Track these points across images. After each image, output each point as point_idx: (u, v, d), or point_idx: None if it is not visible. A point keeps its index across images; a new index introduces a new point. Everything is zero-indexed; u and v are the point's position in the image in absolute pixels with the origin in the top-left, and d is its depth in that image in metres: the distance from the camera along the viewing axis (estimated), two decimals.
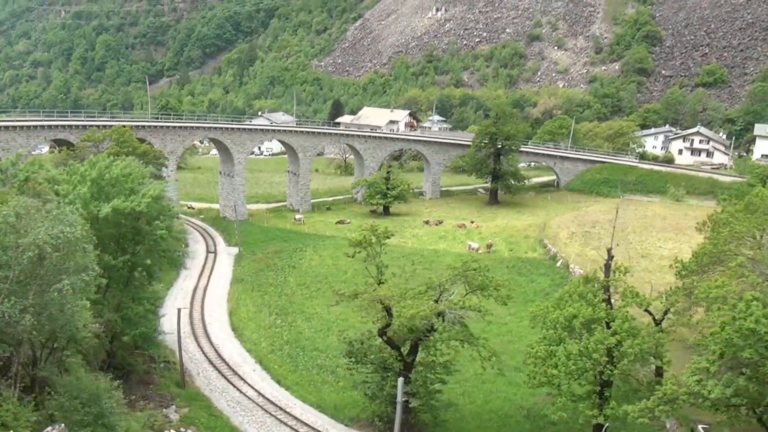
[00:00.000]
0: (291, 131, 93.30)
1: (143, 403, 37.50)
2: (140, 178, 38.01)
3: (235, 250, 76.06)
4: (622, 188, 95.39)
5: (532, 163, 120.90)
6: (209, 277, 66.44)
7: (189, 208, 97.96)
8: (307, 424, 38.24)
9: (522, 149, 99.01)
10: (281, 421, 38.44)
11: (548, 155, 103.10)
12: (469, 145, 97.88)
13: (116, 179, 36.26)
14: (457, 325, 36.34)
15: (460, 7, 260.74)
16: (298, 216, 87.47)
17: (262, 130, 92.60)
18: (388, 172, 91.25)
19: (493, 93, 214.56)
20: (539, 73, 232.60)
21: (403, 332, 35.56)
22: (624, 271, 36.00)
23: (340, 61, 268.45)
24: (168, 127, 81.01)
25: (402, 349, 37.10)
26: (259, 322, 56.78)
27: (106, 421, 24.46)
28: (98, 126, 70.57)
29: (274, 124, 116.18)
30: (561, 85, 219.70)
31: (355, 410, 40.49)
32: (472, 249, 73.10)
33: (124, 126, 69.00)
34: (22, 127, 66.78)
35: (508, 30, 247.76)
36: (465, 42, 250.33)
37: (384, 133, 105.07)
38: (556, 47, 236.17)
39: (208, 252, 74.92)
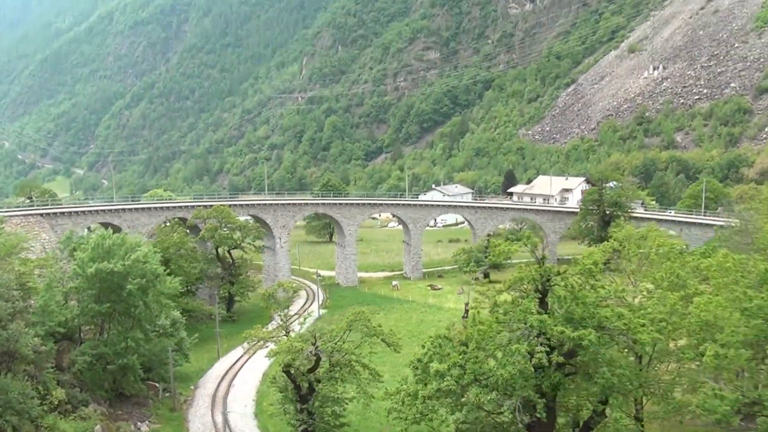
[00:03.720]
0: (399, 204, 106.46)
1: (125, 416, 52.42)
2: (135, 246, 54.00)
3: (323, 311, 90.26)
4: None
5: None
6: None
7: (317, 276, 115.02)
8: None
9: (640, 215, 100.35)
10: (212, 428, 50.88)
11: (673, 221, 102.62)
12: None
13: (110, 247, 52.55)
14: (341, 366, 46.28)
15: (680, 64, 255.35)
16: (394, 282, 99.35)
17: (370, 204, 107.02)
18: (487, 241, 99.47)
19: (705, 154, 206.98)
20: (767, 129, 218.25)
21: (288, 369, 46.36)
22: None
23: (548, 128, 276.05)
24: (278, 204, 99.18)
25: (301, 385, 47.52)
26: None
27: (13, 408, 39.39)
28: (205, 206, 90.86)
29: (395, 197, 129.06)
30: None
31: None
32: None
33: (222, 205, 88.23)
34: (148, 208, 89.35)
35: (732, 84, 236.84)
36: (682, 101, 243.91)
37: (494, 203, 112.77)
38: None
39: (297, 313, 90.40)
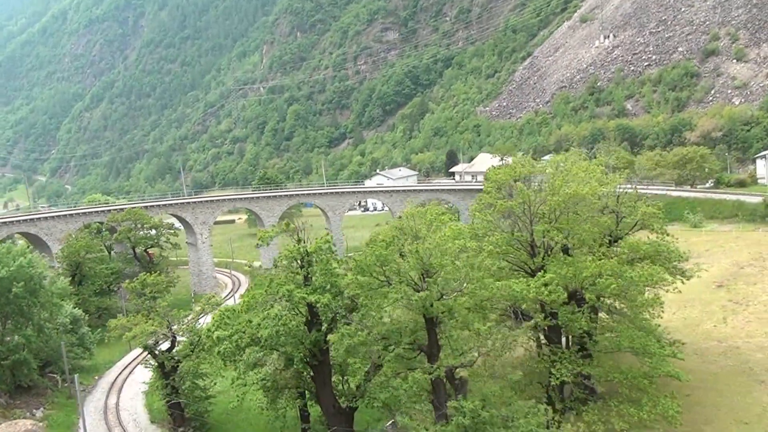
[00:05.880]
0: (315, 194, 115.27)
1: (22, 405, 61.25)
2: (20, 254, 62.49)
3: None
4: None
5: None
6: None
7: (248, 267, 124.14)
8: (121, 422, 58.92)
9: None
10: (105, 413, 59.93)
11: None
12: None
13: None
14: (196, 345, 55.07)
15: (630, 31, 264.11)
16: None
17: (286, 195, 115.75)
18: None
19: (652, 120, 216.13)
20: (713, 92, 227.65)
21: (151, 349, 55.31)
22: None
23: (505, 104, 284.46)
24: (196, 202, 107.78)
25: (165, 363, 56.35)
26: None
27: None
28: (118, 209, 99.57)
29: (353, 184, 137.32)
30: (737, 102, 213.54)
31: None
32: None
33: (134, 208, 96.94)
34: (64, 215, 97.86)
35: (680, 48, 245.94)
36: (632, 68, 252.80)
37: (407, 186, 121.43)
38: (734, 60, 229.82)
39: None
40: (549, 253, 40.42)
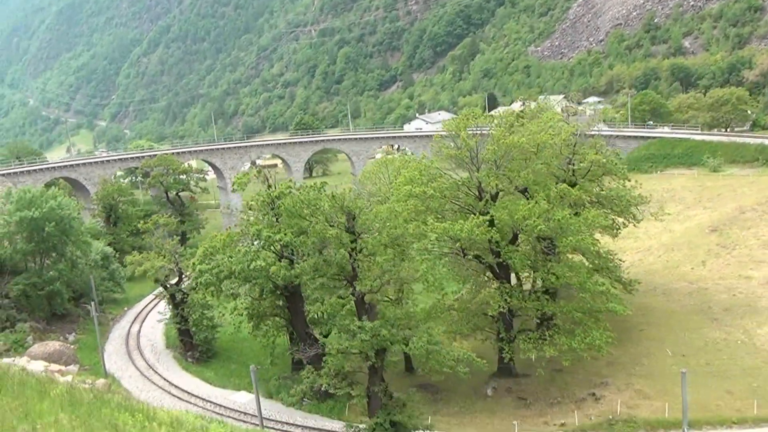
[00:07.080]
0: (338, 139, 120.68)
1: (57, 330, 69.89)
2: (51, 197, 70.18)
3: None
4: (665, 163, 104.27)
5: None
6: None
7: None
8: (139, 346, 66.93)
9: None
10: (127, 338, 68.07)
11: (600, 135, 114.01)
12: None
13: (31, 199, 68.83)
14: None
15: None
16: None
17: (311, 141, 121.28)
18: None
19: (710, 59, 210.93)
20: None
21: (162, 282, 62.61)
22: None
23: (557, 43, 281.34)
24: (225, 148, 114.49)
25: (175, 294, 63.50)
26: None
27: None
28: (151, 156, 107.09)
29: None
30: None
31: None
32: None
33: (165, 155, 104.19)
34: (101, 161, 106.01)
35: None
36: (692, 3, 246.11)
37: (430, 131, 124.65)
38: None
39: None
40: (495, 197, 44.85)
